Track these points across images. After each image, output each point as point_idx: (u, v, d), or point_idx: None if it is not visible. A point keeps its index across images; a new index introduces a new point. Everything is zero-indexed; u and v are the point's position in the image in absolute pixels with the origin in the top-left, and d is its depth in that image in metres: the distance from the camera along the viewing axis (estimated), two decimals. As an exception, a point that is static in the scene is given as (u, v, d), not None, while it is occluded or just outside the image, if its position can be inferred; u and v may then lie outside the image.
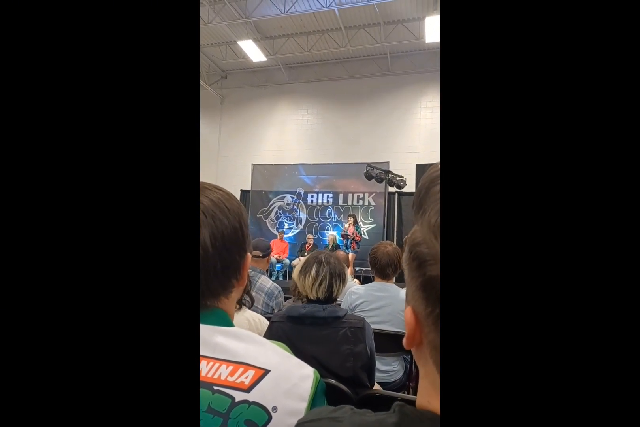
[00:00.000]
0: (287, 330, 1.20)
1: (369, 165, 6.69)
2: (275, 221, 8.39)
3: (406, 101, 8.29)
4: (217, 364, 0.46)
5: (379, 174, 6.62)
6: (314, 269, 1.23)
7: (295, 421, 0.40)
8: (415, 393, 1.51)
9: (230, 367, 0.46)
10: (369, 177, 6.61)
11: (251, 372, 0.46)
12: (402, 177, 6.64)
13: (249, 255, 0.56)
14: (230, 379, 0.45)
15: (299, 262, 1.36)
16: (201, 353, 0.46)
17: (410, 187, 6.58)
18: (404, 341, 0.33)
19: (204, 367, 0.46)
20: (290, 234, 8.16)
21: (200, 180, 0.49)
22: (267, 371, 0.46)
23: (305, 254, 6.81)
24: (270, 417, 0.43)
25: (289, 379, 0.46)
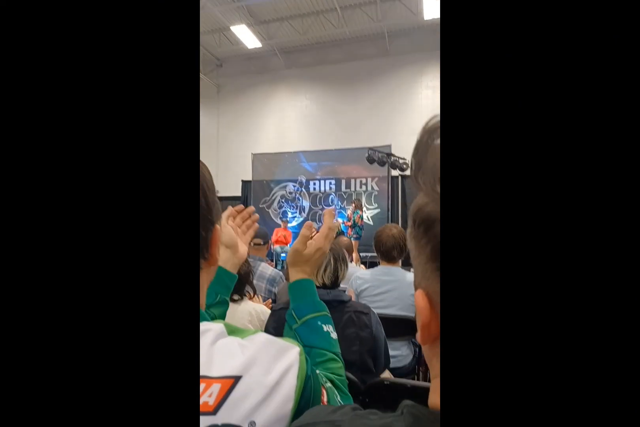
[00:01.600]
0: None
1: (370, 149, 6.60)
2: (279, 210, 8.35)
3: (406, 82, 8.12)
4: None
5: (381, 157, 6.53)
6: None
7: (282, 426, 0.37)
8: (425, 377, 1.48)
9: None
10: (371, 161, 6.53)
11: (216, 387, 0.37)
12: (405, 159, 6.54)
13: (218, 227, 0.47)
14: None
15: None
16: None
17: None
18: (419, 335, 0.29)
19: None
20: (294, 223, 8.11)
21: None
22: (237, 379, 0.38)
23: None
24: None
25: (266, 381, 0.39)
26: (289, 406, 0.38)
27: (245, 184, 8.64)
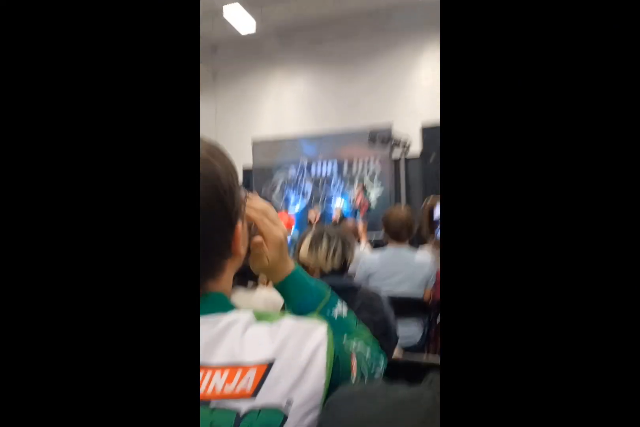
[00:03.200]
0: None
1: (371, 129, 6.52)
2: (282, 196, 8.33)
3: (405, 59, 7.96)
4: (208, 373, 0.39)
5: (382, 137, 6.47)
6: (324, 241, 1.23)
7: (316, 404, 0.39)
8: (435, 353, 1.51)
9: (226, 373, 0.39)
10: (372, 141, 6.47)
11: (252, 373, 0.39)
12: (407, 138, 6.47)
13: (240, 225, 0.47)
14: (228, 388, 0.38)
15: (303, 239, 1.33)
16: None
17: (416, 149, 6.41)
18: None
19: None
20: (297, 207, 8.11)
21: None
22: (270, 363, 0.40)
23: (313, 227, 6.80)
24: (286, 415, 0.38)
25: (298, 362, 0.40)
26: (322, 382, 0.40)
27: (247, 171, 8.60)
